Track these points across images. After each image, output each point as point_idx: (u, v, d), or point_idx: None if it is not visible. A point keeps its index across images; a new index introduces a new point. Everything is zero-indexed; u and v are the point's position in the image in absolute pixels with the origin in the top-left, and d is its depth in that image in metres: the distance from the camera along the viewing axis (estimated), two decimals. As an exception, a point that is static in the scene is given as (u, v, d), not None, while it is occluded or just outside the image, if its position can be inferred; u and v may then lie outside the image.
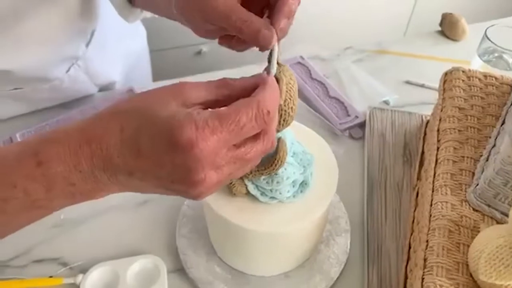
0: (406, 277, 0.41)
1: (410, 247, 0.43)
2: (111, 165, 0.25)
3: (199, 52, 1.27)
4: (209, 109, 0.25)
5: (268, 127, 0.26)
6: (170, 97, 0.25)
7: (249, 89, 0.27)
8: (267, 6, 0.33)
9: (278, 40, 0.31)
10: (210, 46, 1.26)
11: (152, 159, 0.24)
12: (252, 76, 0.28)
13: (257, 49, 0.32)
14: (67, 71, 0.57)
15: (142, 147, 0.24)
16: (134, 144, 0.24)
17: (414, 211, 0.46)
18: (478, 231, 0.36)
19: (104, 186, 0.26)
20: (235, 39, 0.35)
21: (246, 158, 0.26)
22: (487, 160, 0.41)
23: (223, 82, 0.27)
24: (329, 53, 0.70)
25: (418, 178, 0.50)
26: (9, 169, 0.24)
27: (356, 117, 0.59)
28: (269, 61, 0.31)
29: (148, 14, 0.52)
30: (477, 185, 0.39)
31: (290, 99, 0.31)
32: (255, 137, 0.26)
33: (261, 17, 0.31)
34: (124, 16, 0.52)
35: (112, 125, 0.24)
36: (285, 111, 0.31)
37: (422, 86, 0.66)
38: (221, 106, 0.25)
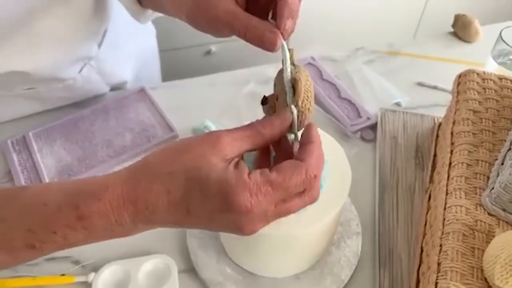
0: (418, 281, 0.41)
1: (422, 251, 0.43)
2: (159, 221, 0.26)
3: (208, 52, 1.27)
4: (259, 171, 0.26)
5: (313, 187, 0.28)
6: (210, 154, 0.26)
7: (277, 134, 0.29)
8: (272, 6, 0.33)
9: (285, 39, 0.31)
10: (220, 46, 1.26)
11: (203, 217, 0.26)
12: (276, 117, 0.30)
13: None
14: (80, 71, 0.58)
15: (192, 208, 0.26)
16: (183, 206, 0.25)
17: (426, 214, 0.46)
18: (493, 236, 0.36)
19: (150, 229, 0.28)
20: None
21: (289, 211, 0.29)
22: (502, 164, 0.40)
23: (255, 132, 0.29)
24: (340, 54, 0.70)
25: (431, 181, 0.49)
26: (50, 217, 0.25)
27: (368, 118, 0.58)
28: (283, 63, 0.31)
29: (159, 14, 0.52)
30: (492, 189, 0.38)
31: (307, 100, 0.31)
32: (301, 193, 0.28)
33: (266, 17, 0.31)
34: (136, 17, 0.52)
35: (157, 187, 0.25)
36: (302, 112, 0.31)
37: (435, 88, 0.65)
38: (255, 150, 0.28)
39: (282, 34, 0.30)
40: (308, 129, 0.30)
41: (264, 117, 0.32)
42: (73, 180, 0.27)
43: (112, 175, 0.26)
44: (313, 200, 0.30)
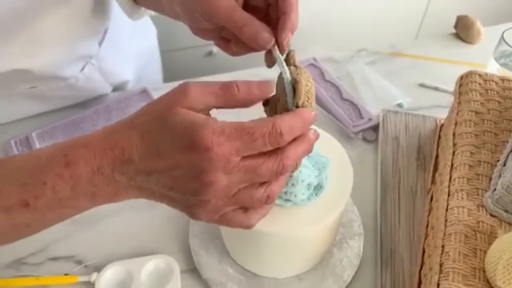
0: (420, 282, 0.41)
1: (424, 252, 0.43)
2: (131, 168, 0.27)
3: (210, 53, 1.27)
4: (227, 121, 0.27)
5: (283, 149, 0.27)
6: (175, 103, 0.27)
7: (250, 102, 0.29)
8: (267, 18, 0.35)
9: (284, 52, 0.32)
10: (221, 47, 1.26)
11: (170, 160, 0.26)
12: (256, 87, 0.30)
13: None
14: (82, 69, 0.58)
15: (161, 150, 0.26)
16: (153, 148, 0.27)
17: (428, 215, 0.46)
18: (495, 237, 0.36)
19: (123, 189, 0.28)
20: (232, 43, 0.37)
21: (256, 172, 0.27)
22: (504, 165, 0.40)
23: (228, 92, 0.29)
24: (342, 55, 0.70)
25: (432, 182, 0.50)
26: (41, 168, 0.27)
27: (370, 119, 0.58)
28: (286, 64, 0.32)
29: (152, 12, 0.52)
30: (494, 190, 0.38)
31: (307, 101, 0.31)
32: (269, 154, 0.27)
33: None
34: (128, 14, 0.52)
35: (133, 135, 0.27)
36: None
37: (436, 89, 0.65)
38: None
39: (282, 46, 0.32)
40: (299, 108, 0.30)
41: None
42: (67, 139, 0.29)
43: (97, 130, 0.28)
44: (283, 167, 0.27)
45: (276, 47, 0.32)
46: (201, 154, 0.25)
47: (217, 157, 0.26)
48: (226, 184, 0.27)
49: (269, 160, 0.27)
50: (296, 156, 0.28)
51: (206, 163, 0.26)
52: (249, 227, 0.31)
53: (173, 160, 0.26)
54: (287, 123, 0.27)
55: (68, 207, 0.28)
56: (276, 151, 0.28)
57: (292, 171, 0.34)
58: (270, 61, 0.34)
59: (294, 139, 0.28)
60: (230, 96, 0.28)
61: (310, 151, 0.30)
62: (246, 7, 0.35)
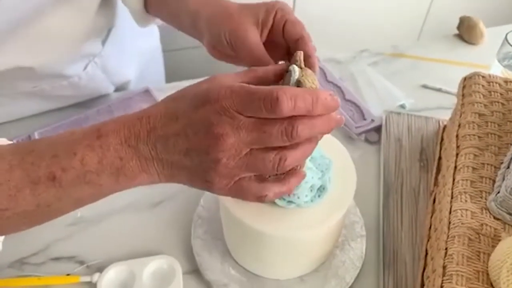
0: (422, 284, 0.41)
1: (427, 254, 0.43)
2: (153, 136, 0.28)
3: (212, 53, 1.27)
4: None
5: (291, 118, 0.27)
6: (204, 82, 0.30)
7: (271, 72, 0.32)
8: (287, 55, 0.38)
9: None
10: (223, 47, 1.26)
11: (185, 119, 0.28)
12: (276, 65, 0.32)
13: None
14: (85, 68, 0.58)
15: (179, 113, 0.28)
16: (174, 113, 0.29)
17: (431, 217, 0.46)
18: (499, 240, 0.36)
19: (145, 163, 0.29)
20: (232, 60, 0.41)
21: (262, 130, 0.27)
22: (508, 168, 0.40)
23: (249, 70, 0.31)
24: (345, 56, 0.70)
25: (435, 184, 0.49)
26: (74, 141, 0.29)
27: (372, 120, 0.58)
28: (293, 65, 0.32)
29: (159, 22, 0.53)
30: (498, 192, 0.38)
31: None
32: (276, 120, 0.28)
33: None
34: (137, 20, 0.53)
35: (160, 106, 0.30)
36: None
37: (439, 90, 0.65)
38: None
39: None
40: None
41: None
42: None
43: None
44: (290, 133, 0.27)
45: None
46: (210, 106, 0.27)
47: (223, 109, 0.27)
48: (235, 139, 0.27)
49: (275, 122, 0.27)
50: (309, 125, 0.28)
51: (214, 115, 0.27)
52: (262, 198, 0.31)
53: (188, 119, 0.28)
54: (289, 92, 0.27)
55: (91, 183, 0.29)
56: (285, 119, 0.27)
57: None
58: None
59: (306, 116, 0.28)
60: (252, 71, 0.31)
61: (329, 130, 0.30)
62: (269, 42, 0.37)
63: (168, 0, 0.46)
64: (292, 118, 0.27)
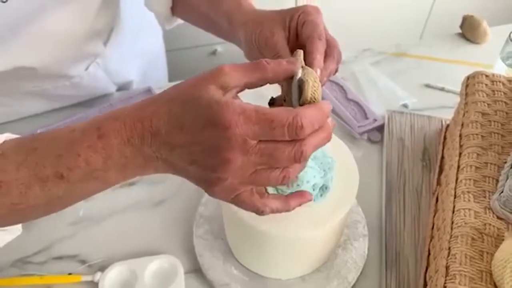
0: (425, 284, 0.40)
1: (429, 253, 0.42)
2: (157, 140, 0.28)
3: (213, 52, 1.27)
4: (250, 103, 0.27)
5: (302, 141, 0.28)
6: (210, 80, 0.28)
7: (280, 72, 0.29)
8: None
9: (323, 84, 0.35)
10: (225, 46, 1.26)
11: (191, 135, 0.27)
12: (287, 60, 0.30)
13: None
14: (86, 68, 0.58)
15: (185, 124, 0.27)
16: (179, 121, 0.28)
17: (434, 216, 0.45)
18: (502, 240, 0.35)
19: (150, 161, 0.29)
20: None
21: (273, 156, 0.27)
22: (511, 168, 0.40)
23: (258, 65, 0.29)
24: (347, 55, 0.70)
25: (438, 184, 0.49)
26: (75, 140, 0.28)
27: (375, 120, 0.58)
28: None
29: (181, 21, 0.54)
30: (502, 192, 0.38)
31: (314, 102, 0.30)
32: (287, 141, 0.28)
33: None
34: (161, 22, 0.54)
35: (162, 109, 0.28)
36: None
37: (442, 89, 0.64)
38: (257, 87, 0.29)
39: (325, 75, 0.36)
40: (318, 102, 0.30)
41: None
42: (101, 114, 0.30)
43: (132, 104, 0.29)
44: (300, 156, 0.28)
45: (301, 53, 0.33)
46: (220, 132, 0.26)
47: (235, 136, 0.26)
48: (243, 163, 0.27)
49: (287, 145, 0.27)
50: (315, 143, 0.28)
51: (224, 141, 0.26)
52: (261, 212, 0.31)
53: (194, 135, 0.27)
54: (309, 116, 0.27)
55: (99, 178, 0.29)
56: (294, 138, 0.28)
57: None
58: None
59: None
60: (261, 68, 0.29)
61: (329, 140, 0.30)
62: (298, 46, 0.37)
63: (199, 5, 0.47)
64: (302, 140, 0.28)
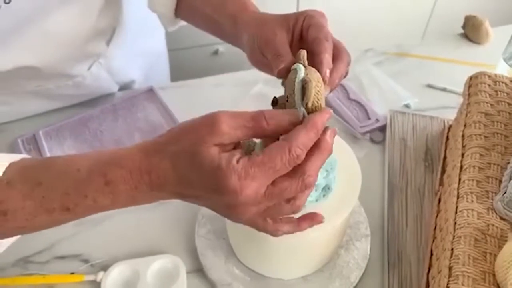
0: (427, 285, 0.40)
1: (432, 254, 0.42)
2: (168, 189, 0.29)
3: (215, 52, 1.27)
4: (248, 156, 0.28)
5: (303, 167, 0.29)
6: (208, 138, 0.28)
7: (282, 131, 0.29)
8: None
9: (332, 89, 0.35)
10: (227, 46, 1.26)
11: (202, 192, 0.29)
12: (286, 112, 0.30)
13: None
14: (89, 68, 0.58)
15: (194, 181, 0.28)
16: (187, 178, 0.28)
17: (436, 217, 0.45)
18: (505, 241, 0.35)
19: (161, 199, 0.31)
20: None
21: (282, 195, 0.29)
22: (514, 168, 0.40)
23: (258, 125, 0.29)
24: (349, 55, 0.70)
25: (441, 184, 0.49)
26: (81, 182, 0.29)
27: (377, 120, 0.58)
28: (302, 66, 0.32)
29: (184, 23, 0.54)
30: (505, 193, 0.38)
31: (317, 102, 0.30)
32: (291, 175, 0.29)
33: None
34: (164, 24, 0.55)
35: (165, 164, 0.29)
36: None
37: (444, 90, 0.64)
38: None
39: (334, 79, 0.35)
40: (311, 116, 0.30)
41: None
42: (101, 151, 0.31)
43: (130, 149, 0.30)
44: (307, 184, 0.29)
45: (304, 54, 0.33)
46: (230, 197, 0.28)
47: (246, 198, 0.28)
48: (256, 210, 0.29)
49: (293, 182, 0.29)
50: (316, 169, 0.29)
51: (237, 203, 0.28)
52: (275, 234, 0.33)
53: (205, 193, 0.28)
54: (302, 142, 0.28)
55: (107, 210, 0.30)
56: (297, 168, 0.29)
57: None
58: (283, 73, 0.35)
59: (312, 150, 0.29)
60: (259, 129, 0.29)
61: (330, 153, 0.31)
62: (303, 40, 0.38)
63: (203, 7, 0.47)
64: (305, 173, 0.28)
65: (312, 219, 0.33)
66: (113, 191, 0.29)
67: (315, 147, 0.29)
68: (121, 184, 0.29)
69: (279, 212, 0.31)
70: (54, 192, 0.29)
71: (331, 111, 0.30)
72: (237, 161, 0.27)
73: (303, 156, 0.28)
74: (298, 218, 0.33)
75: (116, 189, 0.29)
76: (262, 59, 0.39)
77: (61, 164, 0.30)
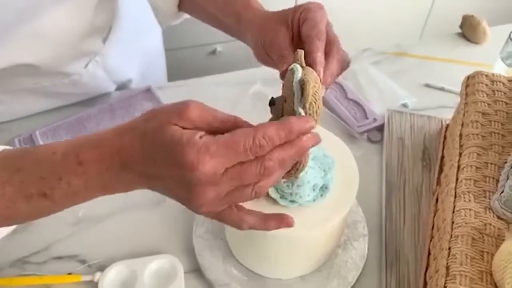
0: (425, 284, 0.40)
1: (429, 254, 0.42)
2: (135, 169, 0.29)
3: (213, 52, 1.27)
4: (211, 136, 0.28)
5: (264, 157, 0.28)
6: (175, 119, 0.29)
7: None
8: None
9: (326, 88, 0.35)
10: (225, 46, 1.26)
11: (164, 170, 0.29)
12: (256, 127, 0.30)
13: None
14: (85, 66, 0.58)
15: (157, 159, 0.29)
16: (151, 156, 0.29)
17: (434, 216, 0.45)
18: (503, 240, 0.35)
19: (130, 184, 0.30)
20: None
21: (241, 177, 0.29)
22: (511, 168, 0.40)
23: (224, 125, 0.30)
24: (347, 55, 0.70)
25: (438, 183, 0.49)
26: (56, 164, 0.29)
27: (375, 119, 0.58)
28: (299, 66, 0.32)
29: (187, 16, 0.54)
30: (502, 192, 0.38)
31: (315, 102, 0.30)
32: (253, 160, 0.28)
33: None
34: (164, 20, 0.55)
35: (135, 141, 0.29)
36: (310, 114, 0.30)
37: (442, 89, 0.64)
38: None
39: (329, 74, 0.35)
40: (291, 117, 0.30)
41: (269, 120, 0.32)
42: (79, 135, 0.31)
43: (106, 130, 0.30)
44: (266, 167, 0.28)
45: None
46: (188, 171, 0.27)
47: (203, 174, 0.27)
48: (215, 192, 0.29)
49: (251, 164, 0.28)
50: (280, 159, 0.29)
51: (193, 179, 0.28)
52: (240, 227, 0.32)
53: (166, 170, 0.28)
54: (269, 134, 0.28)
55: (82, 196, 0.30)
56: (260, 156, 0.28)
57: (299, 172, 0.34)
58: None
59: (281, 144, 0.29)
60: (221, 132, 0.29)
61: (301, 156, 0.30)
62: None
63: (206, 5, 0.47)
64: (265, 156, 0.28)
65: (281, 220, 0.32)
66: (86, 171, 0.29)
67: (288, 141, 0.29)
68: (93, 163, 0.29)
69: (241, 197, 0.30)
70: (31, 177, 0.29)
71: (319, 135, 0.30)
72: (200, 137, 0.28)
73: (267, 149, 0.28)
74: (266, 215, 0.32)
75: (88, 169, 0.29)
76: (267, 58, 0.39)
77: (40, 150, 0.31)
